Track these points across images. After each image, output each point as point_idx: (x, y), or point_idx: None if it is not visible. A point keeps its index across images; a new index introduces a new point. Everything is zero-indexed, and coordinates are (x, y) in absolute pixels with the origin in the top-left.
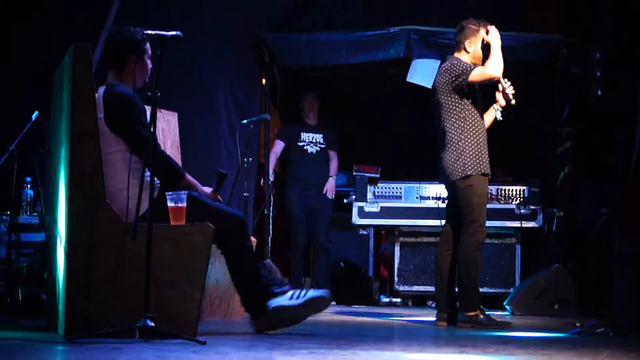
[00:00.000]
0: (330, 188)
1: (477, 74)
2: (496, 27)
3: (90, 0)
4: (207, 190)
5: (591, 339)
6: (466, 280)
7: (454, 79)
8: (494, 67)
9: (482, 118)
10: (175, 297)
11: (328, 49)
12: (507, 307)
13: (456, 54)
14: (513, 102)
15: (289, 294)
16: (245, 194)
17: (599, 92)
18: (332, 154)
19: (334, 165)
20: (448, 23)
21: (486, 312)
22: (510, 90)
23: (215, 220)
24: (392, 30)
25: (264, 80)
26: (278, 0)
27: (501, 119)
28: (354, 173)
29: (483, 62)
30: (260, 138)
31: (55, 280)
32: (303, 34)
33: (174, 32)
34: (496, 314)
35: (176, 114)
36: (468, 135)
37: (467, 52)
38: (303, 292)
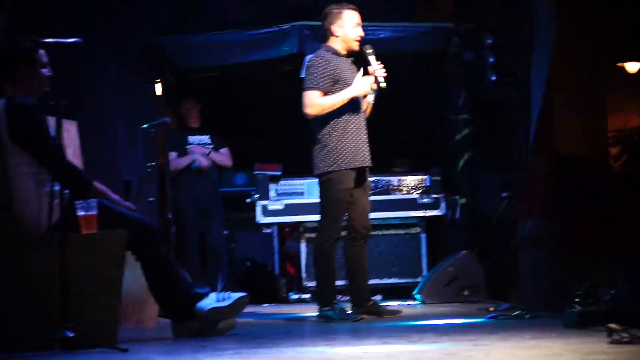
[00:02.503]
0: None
1: (305, 98)
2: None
3: None
4: (117, 198)
5: (509, 322)
6: (319, 276)
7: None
8: (316, 107)
9: (356, 110)
10: (91, 306)
11: (221, 49)
12: (417, 296)
13: (328, 43)
14: (383, 84)
15: (213, 296)
16: (150, 199)
17: (493, 78)
18: (223, 151)
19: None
20: None
21: (341, 307)
22: (380, 73)
23: (127, 228)
24: (284, 27)
25: (157, 86)
26: (168, 3)
27: (373, 102)
28: (255, 172)
29: (361, 44)
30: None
31: None
32: (195, 35)
33: (73, 39)
34: (406, 304)
35: (75, 122)
36: (331, 130)
37: (337, 37)
38: (226, 293)
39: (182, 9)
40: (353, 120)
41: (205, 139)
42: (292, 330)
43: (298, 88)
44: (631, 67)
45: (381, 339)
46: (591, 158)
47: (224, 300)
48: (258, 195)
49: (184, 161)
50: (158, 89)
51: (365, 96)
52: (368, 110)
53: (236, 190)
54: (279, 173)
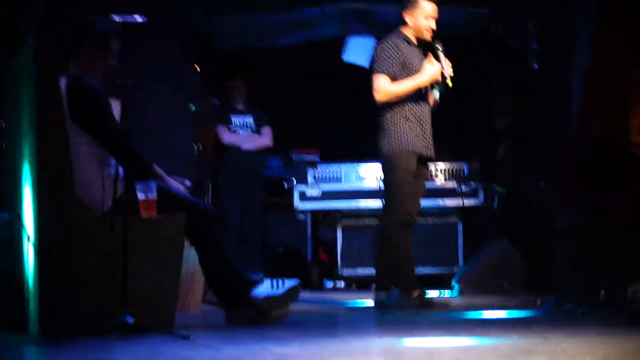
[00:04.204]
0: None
1: (375, 82)
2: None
3: None
4: (174, 182)
5: (566, 317)
6: (380, 261)
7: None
8: (385, 93)
9: (420, 96)
10: (150, 290)
11: (263, 29)
12: (456, 285)
13: (401, 29)
14: (450, 83)
15: (268, 282)
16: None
17: (535, 65)
18: (265, 130)
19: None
20: (383, 0)
21: (398, 294)
22: (448, 71)
23: (185, 211)
24: (327, 9)
25: (197, 66)
26: None
27: (438, 100)
28: (293, 156)
29: (433, 36)
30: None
31: (22, 279)
32: (237, 15)
33: (139, 17)
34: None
35: (119, 101)
36: (393, 115)
37: (408, 25)
38: (279, 281)
39: None
40: (416, 108)
41: (249, 119)
42: (349, 320)
43: (338, 71)
44: None
45: (447, 331)
46: (627, 148)
47: (277, 287)
48: (296, 181)
49: (236, 139)
50: (199, 67)
51: (431, 87)
52: (431, 104)
53: (270, 173)
54: (316, 158)
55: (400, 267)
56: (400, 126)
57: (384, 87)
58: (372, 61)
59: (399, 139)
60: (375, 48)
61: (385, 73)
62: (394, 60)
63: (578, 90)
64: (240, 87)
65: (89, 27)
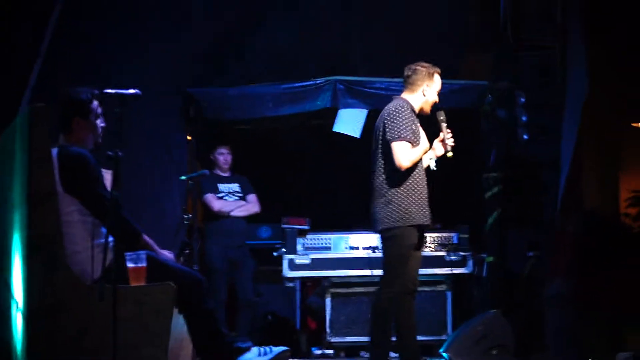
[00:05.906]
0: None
1: (399, 150)
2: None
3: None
4: (164, 252)
5: None
6: (375, 334)
7: (386, 135)
8: (411, 160)
9: (421, 167)
10: (138, 358)
11: (254, 102)
12: (444, 354)
13: (408, 94)
14: (450, 154)
15: (255, 350)
16: (186, 251)
17: (525, 137)
18: (251, 197)
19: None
20: (374, 73)
21: None
22: (450, 142)
23: (174, 280)
24: (318, 82)
25: (189, 137)
26: (203, 54)
27: (435, 168)
28: (283, 225)
29: (432, 110)
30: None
31: (10, 347)
32: (229, 88)
33: (133, 91)
34: None
35: (110, 171)
36: (399, 186)
37: (424, 95)
38: (267, 348)
39: (216, 59)
40: (419, 176)
41: (235, 187)
42: None
43: (327, 142)
44: None
45: None
46: (616, 218)
47: (265, 354)
48: (285, 250)
49: (227, 206)
50: (189, 136)
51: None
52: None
53: (261, 243)
54: (307, 227)
55: (405, 339)
56: (405, 199)
57: (409, 154)
58: (389, 128)
59: (404, 213)
60: (390, 114)
61: (406, 140)
62: (410, 127)
63: (566, 161)
64: (227, 154)
65: (73, 100)
